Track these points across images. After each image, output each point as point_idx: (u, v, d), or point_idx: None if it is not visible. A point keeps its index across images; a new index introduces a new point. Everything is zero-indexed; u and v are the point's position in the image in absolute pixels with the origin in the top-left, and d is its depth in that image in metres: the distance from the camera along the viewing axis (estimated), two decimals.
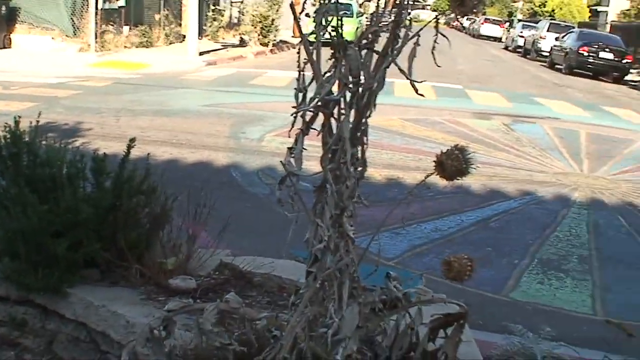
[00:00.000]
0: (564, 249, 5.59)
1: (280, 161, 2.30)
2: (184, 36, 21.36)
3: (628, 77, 24.69)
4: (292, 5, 2.48)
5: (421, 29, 2.25)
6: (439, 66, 2.47)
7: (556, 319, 4.19)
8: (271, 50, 23.79)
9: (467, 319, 2.55)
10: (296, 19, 2.43)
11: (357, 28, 25.37)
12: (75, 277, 3.14)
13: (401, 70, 2.27)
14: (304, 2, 2.35)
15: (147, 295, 3.13)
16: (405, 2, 2.27)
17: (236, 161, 7.46)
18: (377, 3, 2.36)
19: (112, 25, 19.41)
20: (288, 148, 2.35)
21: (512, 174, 7.91)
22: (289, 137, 2.35)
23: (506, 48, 41.66)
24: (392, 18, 2.30)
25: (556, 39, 28.87)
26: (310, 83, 2.32)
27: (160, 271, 3.28)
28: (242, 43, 23.70)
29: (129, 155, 3.44)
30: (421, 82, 2.27)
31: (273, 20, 24.23)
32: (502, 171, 7.98)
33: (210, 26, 24.73)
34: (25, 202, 3.14)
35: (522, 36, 37.70)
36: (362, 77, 2.33)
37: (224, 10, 26.80)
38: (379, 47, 2.33)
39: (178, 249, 3.47)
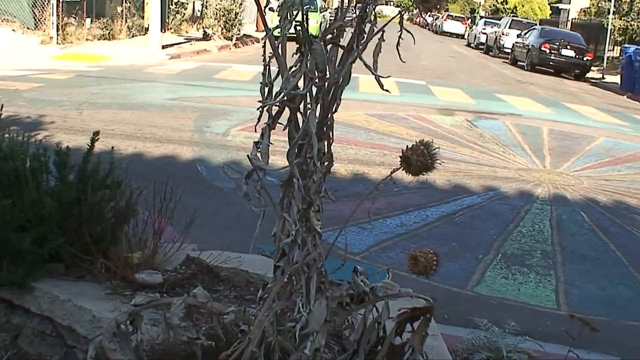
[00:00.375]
0: (527, 244, 5.67)
1: (247, 155, 2.30)
2: (147, 29, 21.16)
3: (589, 75, 25.08)
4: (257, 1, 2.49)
5: (386, 25, 2.27)
6: (403, 62, 2.49)
7: (521, 314, 4.24)
8: (235, 44, 23.69)
9: (433, 313, 2.57)
10: (261, 13, 2.43)
11: (321, 23, 25.42)
12: (40, 271, 3.10)
13: (367, 66, 2.29)
14: None
15: (113, 289, 3.10)
16: None
17: (201, 155, 7.43)
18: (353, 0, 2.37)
19: (73, 17, 19.14)
20: (254, 142, 2.34)
21: (476, 170, 8.00)
22: (255, 131, 2.35)
23: (469, 45, 42.01)
24: (357, 13, 2.31)
25: (518, 36, 29.19)
26: (276, 77, 2.31)
27: (126, 266, 3.25)
28: (206, 37, 23.55)
29: (92, 149, 3.40)
30: (387, 77, 2.29)
31: (236, 14, 24.12)
32: (466, 167, 8.06)
33: (173, 19, 24.55)
34: None
35: (484, 33, 38.05)
36: (327, 72, 2.33)
37: (187, 4, 26.61)
38: (343, 41, 2.34)
39: (144, 243, 3.45)
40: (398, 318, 2.56)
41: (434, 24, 58.70)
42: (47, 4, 17.65)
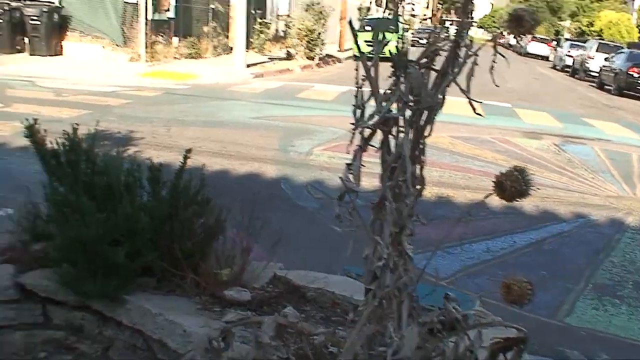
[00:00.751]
0: (618, 275, 5.47)
1: (340, 177, 2.30)
2: (231, 48, 21.57)
3: None
4: (350, 24, 2.50)
5: (479, 48, 2.25)
6: (497, 86, 2.46)
7: (612, 346, 4.11)
8: (317, 64, 23.89)
9: (527, 343, 2.51)
10: (354, 35, 2.44)
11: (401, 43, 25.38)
12: (133, 284, 3.17)
13: (462, 90, 2.27)
14: (363, 19, 2.34)
15: (203, 305, 3.14)
16: (466, 21, 2.26)
17: (285, 174, 7.49)
18: (436, 21, 2.36)
19: (161, 36, 19.69)
20: (347, 164, 2.35)
21: (564, 196, 7.79)
22: (348, 153, 2.35)
23: (554, 67, 41.24)
24: (450, 36, 2.30)
25: (605, 59, 28.46)
26: (367, 99, 2.31)
27: (215, 282, 3.29)
28: (289, 56, 23.84)
29: (185, 166, 3.48)
30: (480, 102, 2.27)
31: (319, 34, 24.34)
32: (554, 192, 7.86)
33: (256, 39, 24.93)
34: (84, 210, 3.18)
35: (570, 55, 37.31)
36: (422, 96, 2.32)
37: (270, 24, 27.01)
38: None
39: (232, 260, 3.48)
40: (491, 347, 2.50)
41: (518, 45, 57.86)
42: (136, 22, 18.20)
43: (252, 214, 3.48)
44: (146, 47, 18.17)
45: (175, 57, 19.64)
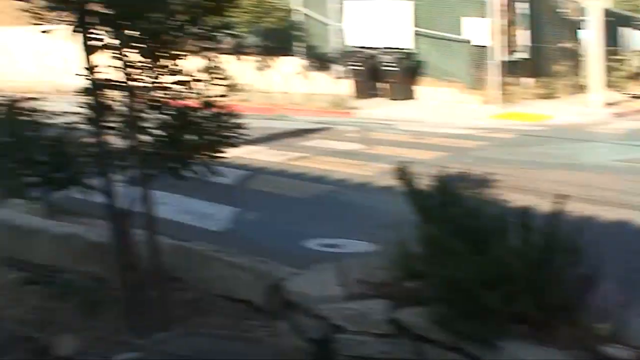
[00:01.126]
0: None
1: None
2: (582, 86, 20.69)
3: None
4: None
5: None
6: None
7: None
8: None
9: None
10: None
11: None
12: (505, 330, 3.13)
13: None
14: None
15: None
16: None
17: None
18: None
19: (512, 77, 19.60)
20: None
21: None
22: None
23: None
24: None
25: None
26: None
27: (591, 336, 3.13)
28: None
29: (559, 213, 3.38)
30: None
31: None
32: None
33: (612, 76, 23.57)
34: (458, 252, 3.23)
35: None
36: None
37: (628, 60, 25.39)
38: None
39: (608, 314, 3.28)
40: None
41: None
42: (486, 64, 18.35)
43: (630, 265, 3.26)
44: (499, 90, 18.22)
45: (525, 98, 19.40)
